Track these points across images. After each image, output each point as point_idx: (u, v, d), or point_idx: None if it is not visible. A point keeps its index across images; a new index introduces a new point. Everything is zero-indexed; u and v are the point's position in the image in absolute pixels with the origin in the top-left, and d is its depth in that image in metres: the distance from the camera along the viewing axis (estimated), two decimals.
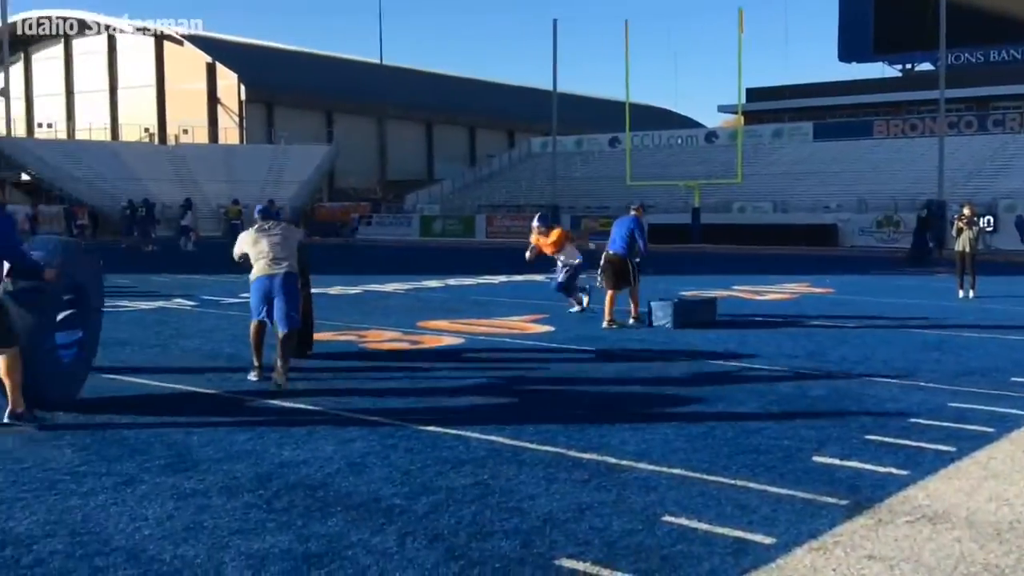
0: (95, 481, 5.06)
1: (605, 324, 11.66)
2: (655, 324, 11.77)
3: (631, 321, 11.93)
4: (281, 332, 7.83)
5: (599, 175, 54.82)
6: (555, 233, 13.29)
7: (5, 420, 6.27)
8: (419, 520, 4.47)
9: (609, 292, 11.89)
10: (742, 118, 46.77)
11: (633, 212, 12.45)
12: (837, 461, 5.56)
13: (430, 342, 10.42)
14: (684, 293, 16.67)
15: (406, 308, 14.01)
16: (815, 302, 15.39)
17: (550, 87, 48.31)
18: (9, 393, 6.24)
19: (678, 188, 46.19)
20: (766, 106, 64.26)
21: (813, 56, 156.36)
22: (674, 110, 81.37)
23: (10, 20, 56.39)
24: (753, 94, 64.59)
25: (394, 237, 46.85)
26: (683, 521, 4.48)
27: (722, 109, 74.54)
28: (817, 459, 5.61)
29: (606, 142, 60.03)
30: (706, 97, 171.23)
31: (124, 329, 11.23)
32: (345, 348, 9.87)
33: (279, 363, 7.73)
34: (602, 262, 12.18)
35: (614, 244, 12.13)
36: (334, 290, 16.21)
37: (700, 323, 11.83)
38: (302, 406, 6.99)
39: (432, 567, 3.91)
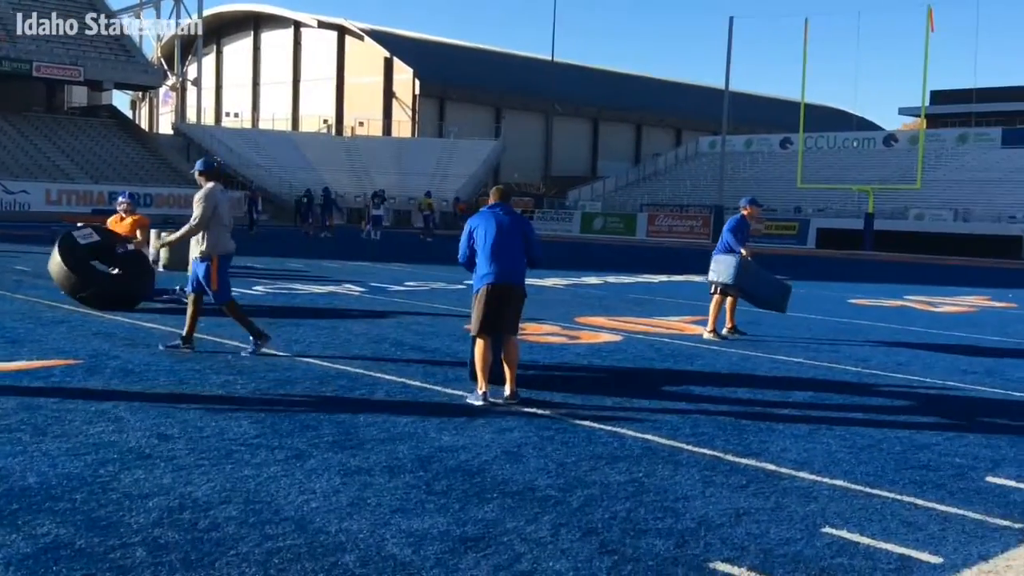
0: (268, 453, 5.33)
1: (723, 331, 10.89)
2: (711, 279, 10.63)
3: (724, 331, 10.83)
4: None
5: (768, 176, 53.58)
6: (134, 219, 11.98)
7: None
8: (573, 513, 4.51)
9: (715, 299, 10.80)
10: (924, 121, 44.62)
11: (742, 211, 10.94)
12: (1012, 483, 5.27)
13: (587, 338, 10.45)
14: (853, 301, 16.12)
15: (564, 303, 14.09)
16: (995, 317, 14.57)
17: (721, 85, 47.57)
18: None
19: (851, 192, 44.64)
20: (951, 109, 61.08)
21: (1005, 58, 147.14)
22: (851, 111, 78.42)
23: (205, 13, 59.92)
24: (938, 96, 61.47)
25: (555, 232, 47.13)
26: (844, 534, 4.35)
27: (903, 112, 71.41)
28: (991, 479, 5.33)
29: (777, 143, 58.63)
30: (887, 99, 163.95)
31: (298, 312, 11.83)
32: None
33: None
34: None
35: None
36: None
37: (764, 298, 11.14)
38: (461, 393, 7.15)
39: (585, 560, 3.93)
